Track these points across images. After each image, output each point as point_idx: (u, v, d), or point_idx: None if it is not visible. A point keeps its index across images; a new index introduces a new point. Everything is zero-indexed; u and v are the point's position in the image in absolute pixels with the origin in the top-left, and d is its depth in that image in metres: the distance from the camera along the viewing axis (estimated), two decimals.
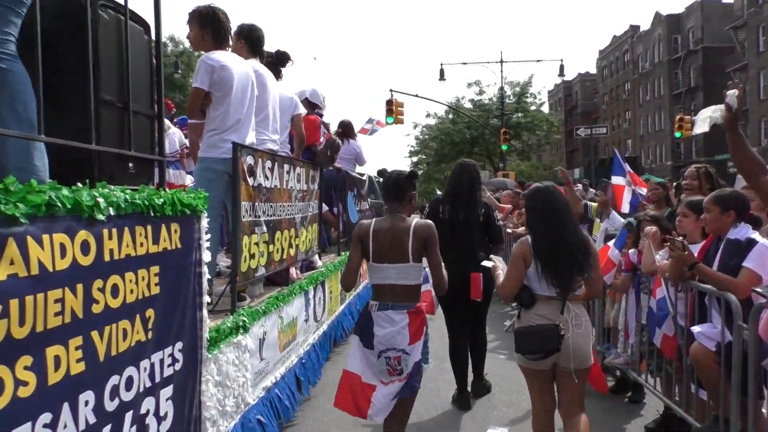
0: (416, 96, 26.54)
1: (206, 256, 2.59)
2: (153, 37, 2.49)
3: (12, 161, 1.79)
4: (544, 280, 3.02)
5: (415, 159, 45.92)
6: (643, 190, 5.89)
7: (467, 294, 4.41)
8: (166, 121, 5.56)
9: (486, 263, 3.50)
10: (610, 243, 4.60)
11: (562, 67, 28.85)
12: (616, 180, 6.17)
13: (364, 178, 7.86)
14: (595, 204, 6.69)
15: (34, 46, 1.73)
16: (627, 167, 6.27)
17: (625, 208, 5.97)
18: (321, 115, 5.88)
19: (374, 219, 3.30)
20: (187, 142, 5.64)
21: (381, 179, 6.96)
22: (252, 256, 3.42)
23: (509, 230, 7.82)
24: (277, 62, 4.58)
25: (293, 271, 4.50)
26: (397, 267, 3.10)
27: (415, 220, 3.20)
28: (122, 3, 2.22)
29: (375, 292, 3.22)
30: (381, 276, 3.16)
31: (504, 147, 26.86)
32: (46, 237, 1.55)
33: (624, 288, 4.39)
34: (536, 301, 3.05)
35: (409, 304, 3.10)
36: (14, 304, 1.43)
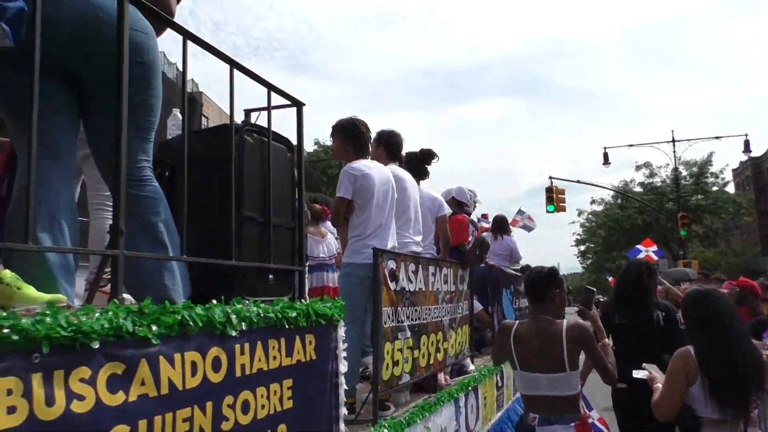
0: (578, 182, 25.66)
1: (343, 367, 2.54)
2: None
3: (142, 282, 1.92)
4: (714, 401, 2.54)
5: (582, 247, 43.78)
6: None
7: (648, 411, 3.86)
8: (324, 228, 5.85)
9: (638, 374, 3.03)
10: None
11: (747, 143, 26.08)
12: None
13: (521, 274, 7.52)
14: None
15: (182, 172, 1.89)
16: None
17: None
18: (469, 214, 5.82)
19: (517, 321, 3.08)
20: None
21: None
22: (395, 363, 3.32)
23: None
24: (421, 161, 4.68)
25: (442, 376, 4.30)
26: (551, 377, 2.82)
27: (565, 322, 2.93)
28: (266, 126, 2.39)
29: (529, 403, 2.94)
30: (533, 386, 2.89)
31: (683, 233, 24.53)
32: (177, 356, 1.61)
33: None
34: (702, 426, 2.57)
35: (573, 415, 2.82)
36: (143, 424, 1.47)
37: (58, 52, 1.75)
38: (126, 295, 1.91)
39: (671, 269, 20.07)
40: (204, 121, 25.04)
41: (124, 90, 1.59)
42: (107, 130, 1.59)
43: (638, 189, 36.31)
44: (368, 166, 3.63)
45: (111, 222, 2.41)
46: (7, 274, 1.64)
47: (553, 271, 3.08)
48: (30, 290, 1.64)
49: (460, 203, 5.80)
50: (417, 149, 4.84)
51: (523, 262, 8.13)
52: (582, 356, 2.97)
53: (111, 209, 2.44)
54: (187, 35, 1.88)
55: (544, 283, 3.01)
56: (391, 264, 3.36)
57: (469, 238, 5.38)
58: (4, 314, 1.18)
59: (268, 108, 2.41)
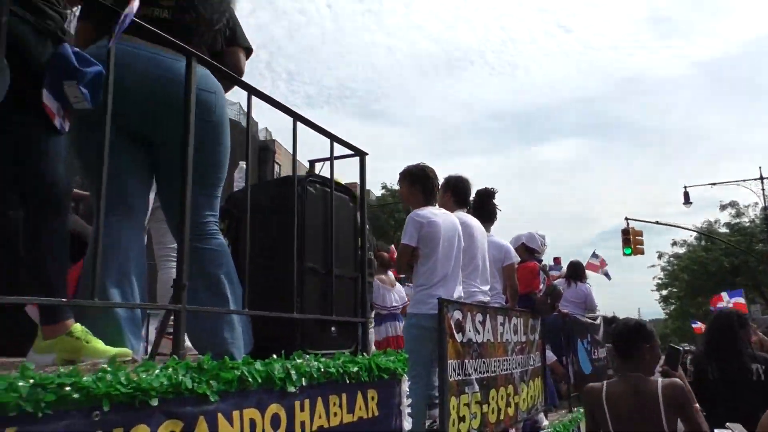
0: (656, 223, 24.54)
1: (407, 423, 2.45)
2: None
3: (204, 336, 1.93)
4: None
5: (664, 292, 41.51)
6: None
7: None
8: (390, 277, 5.82)
9: None
10: None
11: None
12: None
13: (598, 322, 7.15)
14: None
15: (245, 224, 1.91)
16: None
17: None
18: (540, 261, 5.63)
19: (605, 381, 2.89)
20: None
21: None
22: (462, 419, 3.19)
23: None
24: (481, 203, 4.55)
25: None
26: None
27: (660, 380, 2.72)
28: (328, 177, 2.41)
29: None
30: None
31: None
32: (236, 413, 1.58)
33: None
34: None
35: None
36: None
37: (129, 113, 1.84)
38: (188, 344, 1.93)
39: (765, 316, 18.62)
40: (276, 168, 25.89)
41: (189, 152, 1.64)
42: (177, 187, 1.63)
43: (724, 230, 34.29)
44: (435, 213, 3.58)
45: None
46: (78, 327, 1.69)
47: (640, 324, 2.88)
48: (98, 344, 1.68)
49: (530, 250, 5.61)
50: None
51: (603, 309, 7.74)
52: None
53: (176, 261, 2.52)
54: (252, 91, 1.93)
55: (631, 337, 2.81)
56: (457, 314, 3.26)
57: (540, 286, 5.18)
58: (67, 372, 1.20)
59: (331, 158, 2.43)
